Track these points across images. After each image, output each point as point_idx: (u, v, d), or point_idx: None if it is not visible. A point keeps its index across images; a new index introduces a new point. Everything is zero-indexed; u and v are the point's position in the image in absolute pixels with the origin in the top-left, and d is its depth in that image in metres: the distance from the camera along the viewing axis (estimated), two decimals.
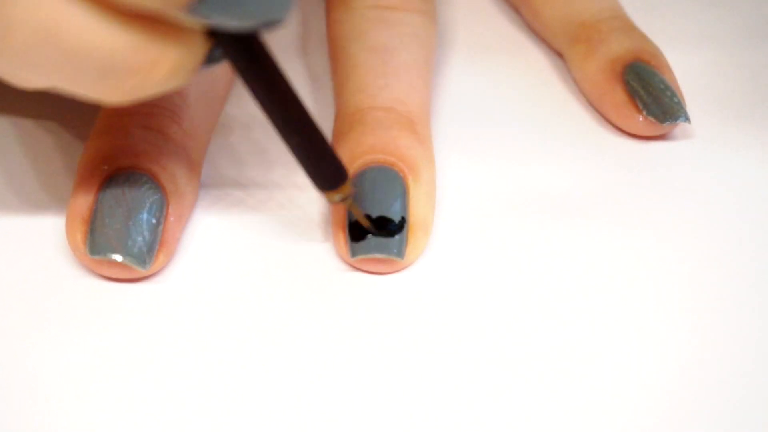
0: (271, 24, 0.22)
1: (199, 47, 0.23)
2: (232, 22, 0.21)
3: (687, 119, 0.32)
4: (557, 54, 0.37)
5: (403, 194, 0.28)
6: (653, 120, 0.32)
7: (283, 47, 0.37)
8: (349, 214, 0.28)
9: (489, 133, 0.34)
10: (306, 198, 0.30)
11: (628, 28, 0.35)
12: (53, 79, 0.22)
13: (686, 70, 0.35)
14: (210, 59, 0.23)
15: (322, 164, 0.26)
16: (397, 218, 0.28)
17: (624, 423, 0.25)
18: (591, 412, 0.25)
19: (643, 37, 0.35)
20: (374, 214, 0.28)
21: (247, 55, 0.23)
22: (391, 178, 0.28)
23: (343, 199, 0.27)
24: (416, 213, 0.28)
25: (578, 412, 0.25)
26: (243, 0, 0.21)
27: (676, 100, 0.33)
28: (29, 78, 0.23)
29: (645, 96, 0.33)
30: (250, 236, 0.29)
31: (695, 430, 0.25)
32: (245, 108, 0.33)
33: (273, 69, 0.24)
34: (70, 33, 0.21)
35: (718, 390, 0.26)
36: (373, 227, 0.28)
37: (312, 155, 0.26)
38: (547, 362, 0.26)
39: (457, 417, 0.25)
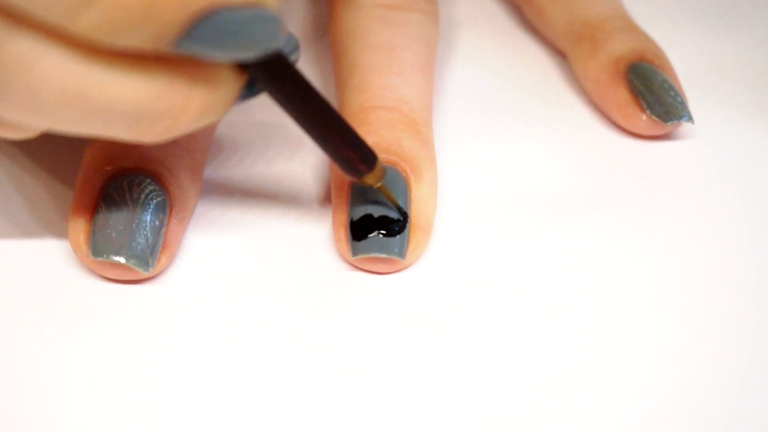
0: (265, 51, 0.22)
1: (230, 83, 0.23)
2: (220, 55, 0.21)
3: (690, 119, 0.32)
4: (560, 53, 0.37)
5: (405, 194, 0.28)
6: (656, 119, 0.32)
7: None
8: (351, 213, 0.28)
9: (491, 132, 0.34)
10: (307, 198, 0.30)
11: (632, 28, 0.35)
12: (84, 130, 0.22)
13: (688, 70, 0.35)
14: (250, 92, 0.24)
15: (355, 152, 0.26)
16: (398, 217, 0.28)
17: (624, 422, 0.25)
18: (593, 411, 0.25)
19: (647, 38, 0.35)
20: (376, 213, 0.28)
21: (280, 82, 0.24)
22: (393, 178, 0.28)
23: (379, 180, 0.27)
24: (418, 213, 0.28)
25: (580, 411, 0.25)
26: (228, 31, 0.21)
27: (679, 99, 0.33)
28: (61, 130, 0.23)
29: (648, 95, 0.33)
30: (250, 237, 0.29)
31: (694, 430, 0.25)
32: (244, 108, 0.33)
33: (306, 89, 0.24)
34: (93, 91, 0.21)
35: (717, 389, 0.26)
36: (377, 220, 0.28)
37: (344, 148, 0.26)
38: (548, 362, 0.26)
39: (457, 416, 0.25)
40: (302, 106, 0.25)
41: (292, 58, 0.25)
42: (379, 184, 0.27)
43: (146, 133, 0.23)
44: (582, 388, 0.25)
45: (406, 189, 0.28)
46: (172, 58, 0.22)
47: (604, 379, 0.26)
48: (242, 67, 0.23)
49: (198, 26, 0.21)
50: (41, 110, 0.22)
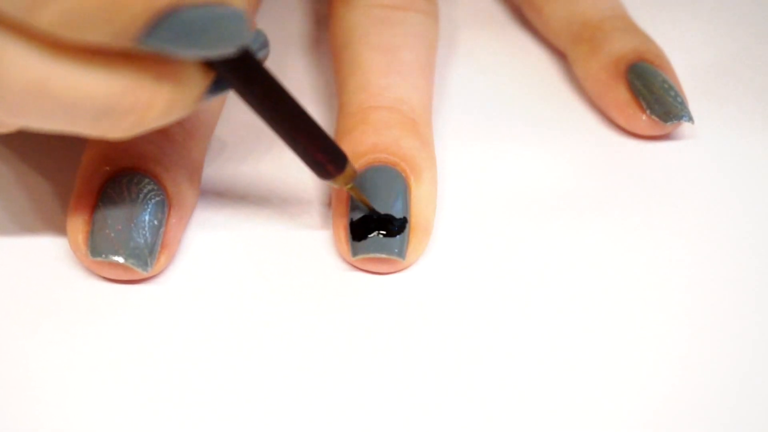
0: (231, 49, 0.22)
1: (197, 80, 0.23)
2: (184, 52, 0.21)
3: (690, 119, 0.32)
4: (559, 53, 0.37)
5: (405, 194, 0.28)
6: (656, 119, 0.32)
7: (284, 42, 0.37)
8: (351, 213, 0.28)
9: (490, 133, 0.34)
10: (306, 197, 0.30)
11: (631, 28, 0.35)
12: (50, 125, 0.23)
13: (688, 70, 0.35)
14: (216, 88, 0.24)
15: (324, 154, 0.26)
16: (398, 218, 0.28)
17: (624, 422, 0.25)
18: (594, 411, 0.25)
19: (646, 38, 0.35)
20: (376, 214, 0.28)
21: (247, 80, 0.24)
22: (393, 178, 0.28)
23: (349, 182, 0.27)
24: (417, 213, 0.28)
25: (581, 411, 0.25)
26: (192, 29, 0.21)
27: (679, 99, 0.33)
28: (26, 125, 0.23)
29: (648, 95, 0.33)
30: (250, 237, 0.29)
31: (694, 430, 0.25)
32: (243, 108, 0.33)
33: (273, 87, 0.24)
34: (59, 87, 0.21)
35: (717, 389, 0.26)
36: (376, 221, 0.28)
37: (312, 149, 0.26)
38: (549, 363, 0.26)
39: (458, 416, 0.25)
40: (269, 105, 0.24)
41: (260, 55, 0.25)
42: (349, 186, 0.27)
43: (112, 129, 0.23)
44: (582, 389, 0.25)
45: (405, 189, 0.28)
46: (137, 55, 0.22)
47: (604, 380, 0.26)
48: (209, 64, 0.23)
49: (161, 24, 0.21)
50: (5, 105, 0.22)
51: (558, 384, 0.25)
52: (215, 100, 0.30)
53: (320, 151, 0.26)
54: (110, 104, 0.22)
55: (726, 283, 0.29)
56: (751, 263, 0.29)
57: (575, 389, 0.25)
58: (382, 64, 0.31)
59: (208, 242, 0.29)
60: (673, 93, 0.33)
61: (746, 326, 0.27)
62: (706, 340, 0.27)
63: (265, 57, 0.25)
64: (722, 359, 0.26)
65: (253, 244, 0.29)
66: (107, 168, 0.27)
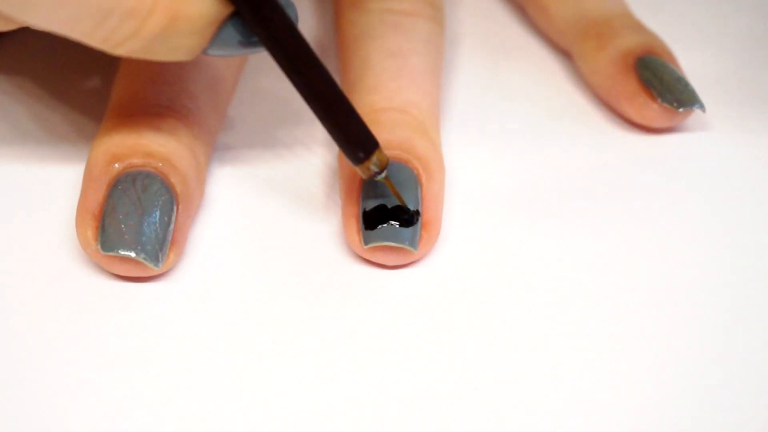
0: None
1: (208, 5, 0.24)
2: None
3: (702, 107, 0.32)
4: (563, 52, 0.37)
5: (417, 191, 0.28)
6: (668, 107, 0.32)
7: None
8: (364, 203, 0.28)
9: (495, 133, 0.33)
10: (312, 195, 0.30)
11: (638, 25, 0.35)
12: (54, 21, 0.23)
13: (689, 70, 0.34)
14: (244, 39, 0.24)
15: (353, 130, 0.26)
16: (411, 210, 0.28)
17: (630, 421, 0.24)
18: (599, 407, 0.25)
19: (653, 34, 0.35)
20: (389, 204, 0.28)
21: (267, 25, 0.24)
22: (406, 174, 0.28)
23: (380, 170, 0.27)
24: (428, 209, 0.28)
25: (587, 408, 0.25)
26: None
27: (690, 88, 0.33)
28: (31, 21, 0.24)
29: (658, 85, 0.32)
30: (256, 235, 0.29)
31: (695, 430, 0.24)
32: (248, 109, 0.33)
33: (295, 34, 0.24)
34: None
35: (724, 391, 0.25)
36: (389, 211, 0.28)
37: (341, 121, 0.26)
38: (556, 360, 0.26)
39: (462, 415, 0.24)
40: (292, 55, 0.25)
41: (288, 11, 0.25)
42: (384, 175, 0.27)
43: (111, 36, 0.24)
44: (589, 387, 0.25)
45: (417, 185, 0.28)
46: None
47: (612, 379, 0.25)
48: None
49: None
50: None
51: (568, 382, 0.25)
52: (220, 106, 0.31)
53: (354, 129, 0.26)
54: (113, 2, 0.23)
55: (739, 281, 0.28)
56: (763, 257, 0.29)
57: (585, 388, 0.25)
58: (393, 68, 0.31)
59: (214, 240, 0.29)
60: (684, 82, 0.33)
61: (761, 326, 0.27)
62: (720, 340, 0.26)
63: (293, 16, 0.25)
64: (735, 361, 0.26)
65: (259, 242, 0.29)
66: (117, 165, 0.27)
